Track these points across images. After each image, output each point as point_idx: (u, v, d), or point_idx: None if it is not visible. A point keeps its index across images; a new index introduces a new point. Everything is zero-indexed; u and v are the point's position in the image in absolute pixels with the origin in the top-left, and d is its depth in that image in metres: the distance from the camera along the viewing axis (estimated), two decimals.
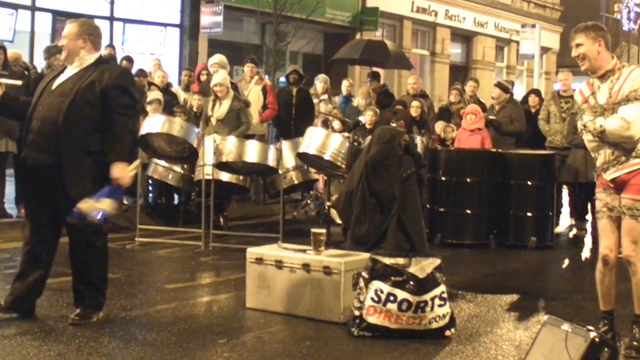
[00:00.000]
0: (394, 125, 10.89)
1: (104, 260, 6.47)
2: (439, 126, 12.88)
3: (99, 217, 5.87)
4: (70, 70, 6.27)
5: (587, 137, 5.90)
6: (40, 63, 15.56)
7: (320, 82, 14.43)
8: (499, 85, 13.39)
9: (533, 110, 12.90)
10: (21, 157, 6.36)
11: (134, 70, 12.84)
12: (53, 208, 6.24)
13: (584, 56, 5.82)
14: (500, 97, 12.97)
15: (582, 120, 5.90)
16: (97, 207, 5.88)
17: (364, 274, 6.29)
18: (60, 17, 17.03)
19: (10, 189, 10.91)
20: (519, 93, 22.21)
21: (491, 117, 12.70)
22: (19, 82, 6.59)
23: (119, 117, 6.16)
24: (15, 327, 6.13)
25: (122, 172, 6.13)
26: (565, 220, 12.56)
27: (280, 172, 10.31)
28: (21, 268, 6.42)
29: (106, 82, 6.14)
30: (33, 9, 16.69)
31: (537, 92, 13.88)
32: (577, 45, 5.84)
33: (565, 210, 12.52)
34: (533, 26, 23.49)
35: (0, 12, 15.74)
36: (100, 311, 6.39)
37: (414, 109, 13.04)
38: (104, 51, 13.17)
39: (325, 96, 14.23)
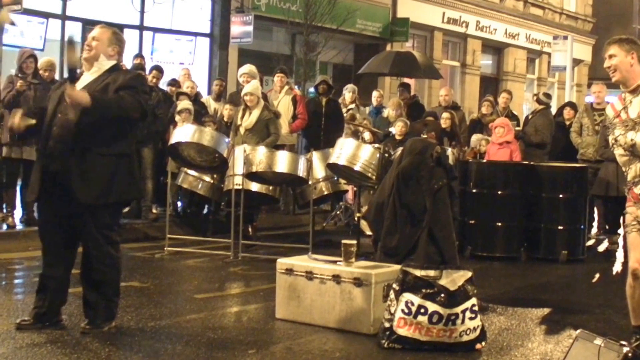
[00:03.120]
0: (424, 136, 10.84)
1: (119, 269, 6.45)
2: (475, 139, 12.78)
3: None
4: (88, 77, 6.29)
5: (618, 151, 5.86)
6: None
7: (348, 92, 14.41)
8: (538, 101, 13.36)
9: (567, 122, 12.82)
10: (40, 164, 6.29)
11: (164, 80, 12.87)
12: (67, 215, 6.22)
13: (616, 68, 5.79)
14: (536, 109, 12.96)
15: (614, 134, 5.86)
16: None
17: (394, 285, 6.26)
18: (90, 26, 17.10)
19: None
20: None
21: (517, 128, 12.66)
22: (32, 121, 6.49)
23: (125, 94, 6.16)
24: (46, 335, 6.15)
25: (78, 94, 5.98)
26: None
27: (310, 182, 10.28)
28: (41, 281, 6.38)
29: (119, 83, 6.19)
30: (63, 17, 16.78)
31: (572, 105, 13.80)
32: (610, 56, 5.80)
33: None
34: (565, 38, 23.31)
35: (30, 20, 15.83)
36: (113, 321, 6.34)
37: (444, 120, 13.00)
38: (134, 61, 13.25)
39: (353, 105, 14.19)
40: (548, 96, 13.82)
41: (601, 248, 11.84)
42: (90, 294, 6.29)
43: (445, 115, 13.13)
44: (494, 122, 12.47)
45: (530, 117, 13.01)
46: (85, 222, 6.17)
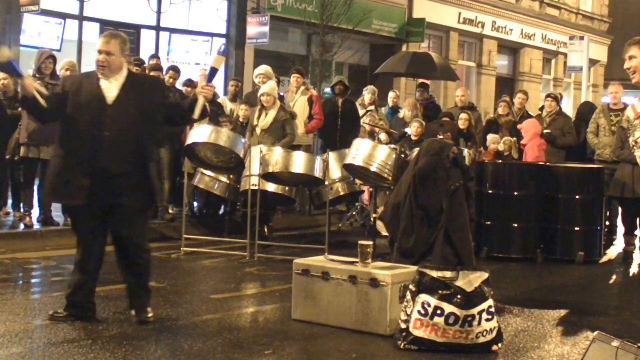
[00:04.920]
0: (441, 137, 10.82)
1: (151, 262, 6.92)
2: (490, 139, 12.73)
3: None
4: (114, 82, 6.47)
5: (638, 153, 5.83)
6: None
7: (368, 93, 14.41)
8: (554, 98, 13.33)
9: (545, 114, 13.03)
10: (91, 167, 6.39)
11: (181, 80, 12.90)
12: (104, 217, 6.53)
13: (636, 69, 5.74)
14: (552, 108, 12.93)
15: (634, 135, 5.83)
16: None
17: (411, 286, 6.24)
18: (107, 26, 17.17)
19: None
20: (567, 106, 22.01)
21: (546, 130, 12.63)
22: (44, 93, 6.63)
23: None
24: (63, 334, 6.18)
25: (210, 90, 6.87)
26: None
27: (326, 183, 10.28)
28: (74, 278, 6.63)
29: (153, 88, 6.74)
30: (81, 18, 16.85)
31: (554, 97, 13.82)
32: (630, 57, 5.75)
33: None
34: (581, 38, 23.19)
35: (48, 21, 15.90)
36: None
37: (462, 121, 12.98)
38: (150, 61, 13.29)
39: (372, 107, 14.19)
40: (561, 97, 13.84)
41: (617, 250, 11.78)
42: (137, 288, 6.67)
43: (463, 116, 13.11)
44: (522, 125, 12.55)
45: (547, 119, 12.95)
46: (134, 222, 6.58)
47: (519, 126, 12.74)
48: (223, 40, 19.11)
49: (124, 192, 6.43)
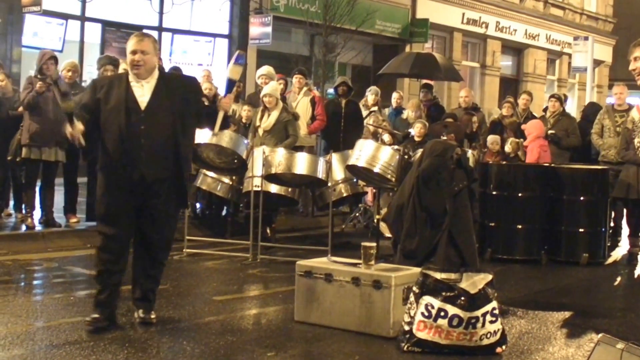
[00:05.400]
0: (444, 138, 10.78)
1: None
2: (491, 140, 12.69)
3: None
4: (146, 86, 6.38)
5: None
6: (89, 73, 15.74)
7: (371, 94, 14.35)
8: (558, 98, 13.30)
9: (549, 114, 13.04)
10: (129, 176, 6.33)
11: None
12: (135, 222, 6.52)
13: None
14: (556, 109, 12.90)
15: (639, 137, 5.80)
16: None
17: (414, 288, 6.21)
18: (109, 27, 17.19)
19: (59, 198, 10.98)
20: (571, 107, 21.96)
21: (551, 131, 12.60)
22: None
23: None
24: (65, 336, 6.17)
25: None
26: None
27: (329, 184, 10.24)
28: (105, 282, 6.51)
29: (188, 90, 6.63)
30: (83, 19, 16.85)
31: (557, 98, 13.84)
32: (635, 59, 5.71)
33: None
34: (586, 38, 23.09)
35: (50, 22, 15.89)
36: None
37: (473, 123, 12.96)
38: None
39: (375, 108, 14.15)
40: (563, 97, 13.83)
41: (622, 251, 11.74)
42: (149, 291, 6.65)
43: (474, 119, 13.10)
44: (525, 126, 12.54)
45: (550, 119, 12.92)
46: (165, 225, 6.59)
47: (522, 126, 12.71)
48: (226, 40, 19.12)
49: (157, 195, 6.41)
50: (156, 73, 6.44)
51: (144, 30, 17.68)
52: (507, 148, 12.31)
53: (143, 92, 6.33)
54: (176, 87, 6.53)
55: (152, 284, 6.66)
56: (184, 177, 6.53)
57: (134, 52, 6.31)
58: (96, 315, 6.41)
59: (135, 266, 6.65)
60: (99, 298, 6.49)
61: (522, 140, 12.50)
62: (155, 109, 6.33)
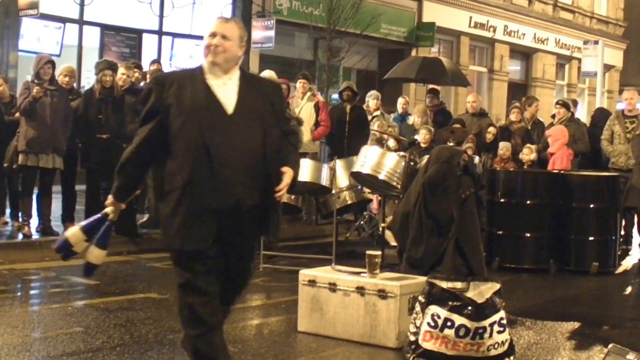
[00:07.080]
0: (451, 144, 10.66)
1: None
2: (504, 146, 12.55)
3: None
4: (230, 83, 4.82)
5: None
6: (87, 78, 15.68)
7: (372, 99, 14.20)
8: (563, 104, 13.19)
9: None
10: (218, 201, 4.70)
11: None
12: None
13: None
14: (562, 115, 12.80)
15: None
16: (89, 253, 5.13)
17: (420, 298, 6.14)
18: (108, 31, 17.14)
19: (56, 206, 10.86)
20: (581, 112, 21.87)
21: None
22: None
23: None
24: (63, 347, 6.09)
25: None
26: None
27: (333, 191, 10.12)
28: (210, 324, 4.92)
29: (276, 98, 5.03)
30: (81, 22, 16.80)
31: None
32: None
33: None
34: (596, 43, 22.97)
35: (47, 25, 15.84)
36: None
37: (490, 135, 12.85)
38: (151, 67, 13.14)
39: (378, 112, 14.02)
40: (573, 102, 13.73)
41: (632, 260, 11.64)
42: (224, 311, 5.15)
43: (491, 129, 12.98)
44: (550, 132, 12.55)
45: (557, 125, 12.83)
46: (249, 253, 5.14)
47: (547, 132, 12.61)
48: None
49: (248, 224, 4.84)
50: (237, 70, 4.88)
51: (144, 35, 17.76)
52: (528, 156, 12.09)
53: (227, 91, 4.78)
54: (262, 89, 4.97)
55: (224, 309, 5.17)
56: (275, 201, 4.87)
57: (213, 35, 4.82)
58: None
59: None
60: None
61: (536, 146, 12.39)
62: (245, 115, 4.76)
